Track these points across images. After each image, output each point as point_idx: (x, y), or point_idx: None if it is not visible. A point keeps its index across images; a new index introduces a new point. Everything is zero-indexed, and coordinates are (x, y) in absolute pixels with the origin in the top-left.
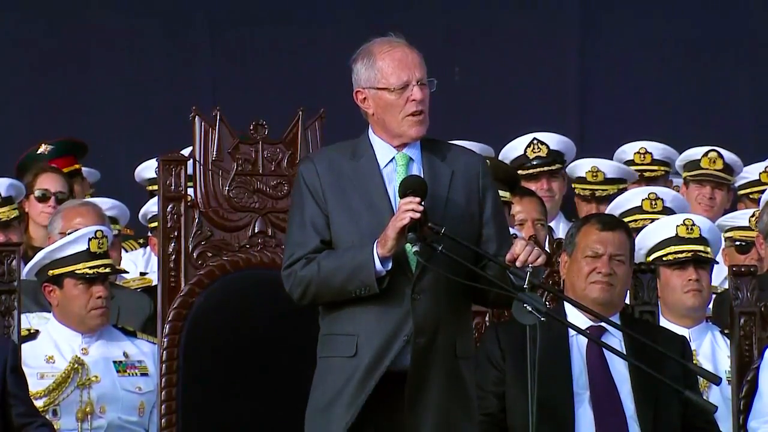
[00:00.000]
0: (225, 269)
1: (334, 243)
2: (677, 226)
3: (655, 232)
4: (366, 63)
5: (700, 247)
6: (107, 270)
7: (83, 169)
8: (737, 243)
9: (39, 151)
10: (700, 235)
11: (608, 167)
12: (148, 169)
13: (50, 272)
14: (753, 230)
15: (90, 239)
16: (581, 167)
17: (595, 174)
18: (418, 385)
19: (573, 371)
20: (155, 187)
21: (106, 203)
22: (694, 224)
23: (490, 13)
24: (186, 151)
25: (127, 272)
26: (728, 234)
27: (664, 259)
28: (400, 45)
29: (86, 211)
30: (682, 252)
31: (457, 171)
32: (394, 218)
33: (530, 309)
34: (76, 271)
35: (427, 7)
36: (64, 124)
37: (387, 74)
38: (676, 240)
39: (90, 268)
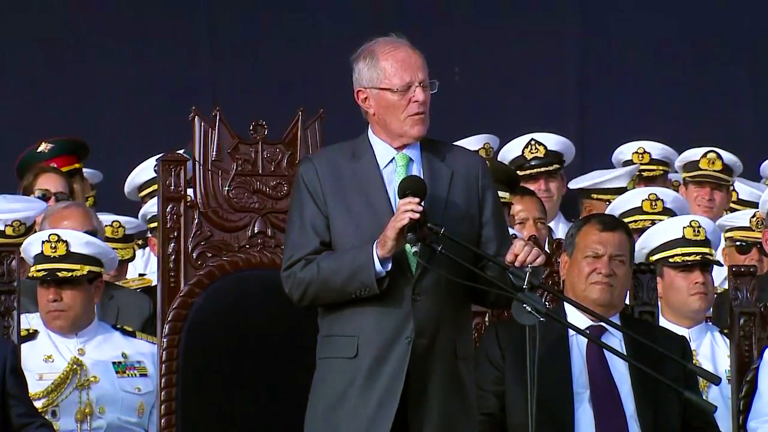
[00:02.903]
0: (225, 269)
1: (334, 244)
2: (684, 227)
3: (660, 233)
4: (368, 63)
5: (706, 250)
6: (47, 275)
7: (87, 170)
8: (737, 243)
9: (39, 150)
10: (706, 237)
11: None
12: (144, 171)
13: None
14: (753, 230)
15: (43, 242)
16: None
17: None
18: (419, 386)
19: (573, 371)
20: (149, 191)
21: (131, 222)
22: (700, 226)
23: (490, 14)
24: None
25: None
26: (728, 234)
27: (670, 260)
28: (403, 46)
29: (71, 214)
30: (690, 254)
31: (456, 172)
32: (393, 219)
33: (529, 309)
34: (29, 274)
35: (427, 7)
36: (62, 123)
37: (390, 75)
38: (683, 242)
39: (37, 270)
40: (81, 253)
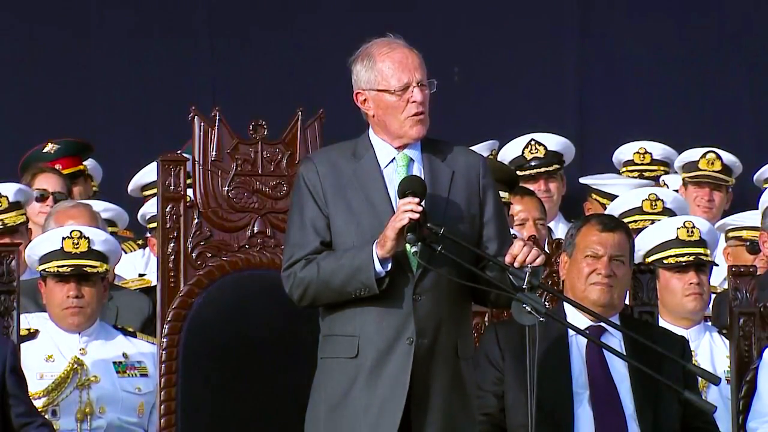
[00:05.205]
0: (224, 269)
1: (335, 244)
2: (677, 228)
3: (654, 234)
4: (366, 64)
5: (701, 250)
6: (74, 270)
7: (89, 165)
8: (748, 243)
9: (45, 150)
10: (700, 237)
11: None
12: (150, 173)
13: (37, 268)
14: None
15: (64, 238)
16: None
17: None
18: (421, 386)
19: (572, 371)
20: (153, 191)
21: (101, 206)
22: (694, 227)
23: (489, 14)
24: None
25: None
26: (737, 233)
27: (664, 261)
28: (399, 46)
29: (78, 213)
30: (683, 255)
31: (457, 171)
32: (392, 219)
33: (529, 309)
34: (48, 269)
35: (426, 6)
36: (62, 123)
37: (387, 76)
38: (677, 243)
39: (59, 266)
40: (99, 251)
